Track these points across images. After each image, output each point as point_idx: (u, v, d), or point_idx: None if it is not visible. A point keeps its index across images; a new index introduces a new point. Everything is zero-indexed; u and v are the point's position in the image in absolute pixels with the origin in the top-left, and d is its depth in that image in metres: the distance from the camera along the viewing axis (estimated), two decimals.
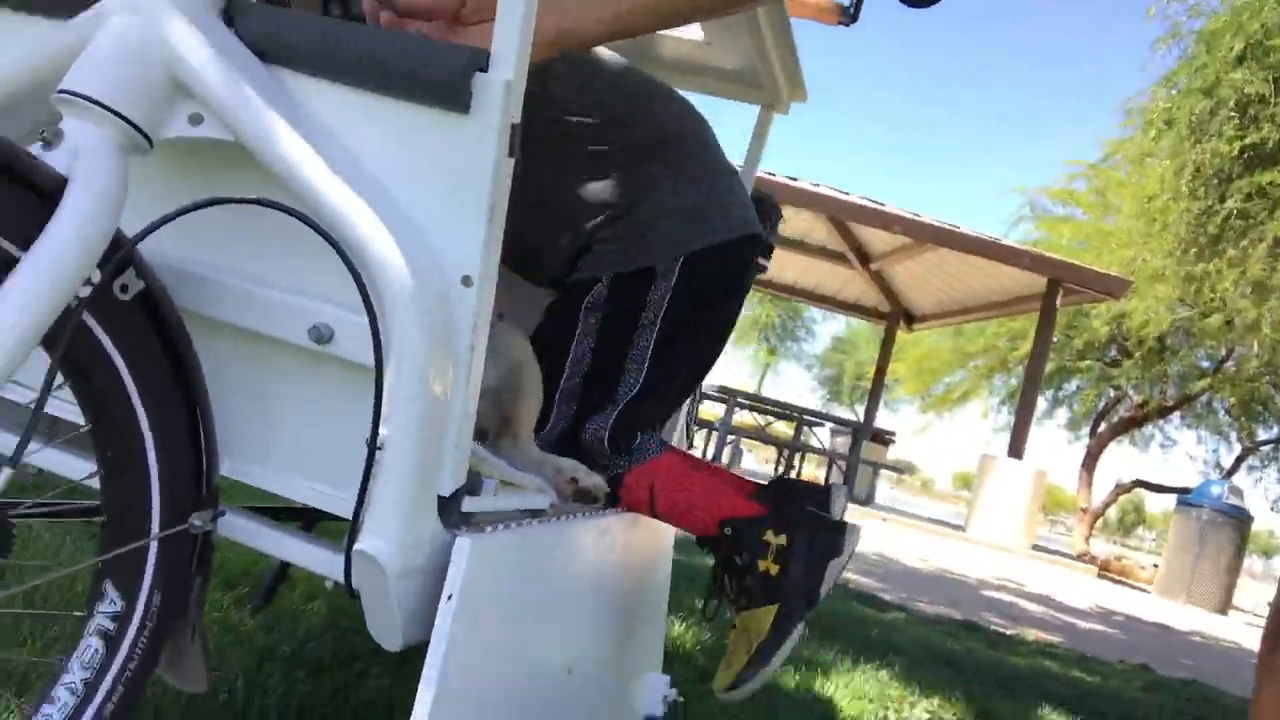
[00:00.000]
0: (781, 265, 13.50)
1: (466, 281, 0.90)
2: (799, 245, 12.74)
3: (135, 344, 0.86)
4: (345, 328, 0.90)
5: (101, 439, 0.88)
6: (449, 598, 0.92)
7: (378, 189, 0.89)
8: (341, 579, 0.90)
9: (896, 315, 14.40)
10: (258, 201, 0.85)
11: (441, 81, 0.86)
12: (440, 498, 0.94)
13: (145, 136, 0.85)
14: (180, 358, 0.89)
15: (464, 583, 0.92)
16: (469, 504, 1.00)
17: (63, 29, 0.87)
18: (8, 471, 0.74)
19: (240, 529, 0.98)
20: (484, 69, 0.87)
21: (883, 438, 12.70)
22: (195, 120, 0.88)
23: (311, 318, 0.91)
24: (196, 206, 0.85)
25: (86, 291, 0.79)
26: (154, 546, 0.90)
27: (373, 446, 0.87)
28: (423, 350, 0.87)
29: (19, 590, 0.92)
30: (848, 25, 1.87)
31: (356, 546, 0.88)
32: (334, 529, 1.06)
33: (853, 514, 11.11)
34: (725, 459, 12.02)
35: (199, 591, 0.95)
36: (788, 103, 1.87)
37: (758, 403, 11.05)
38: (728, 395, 10.10)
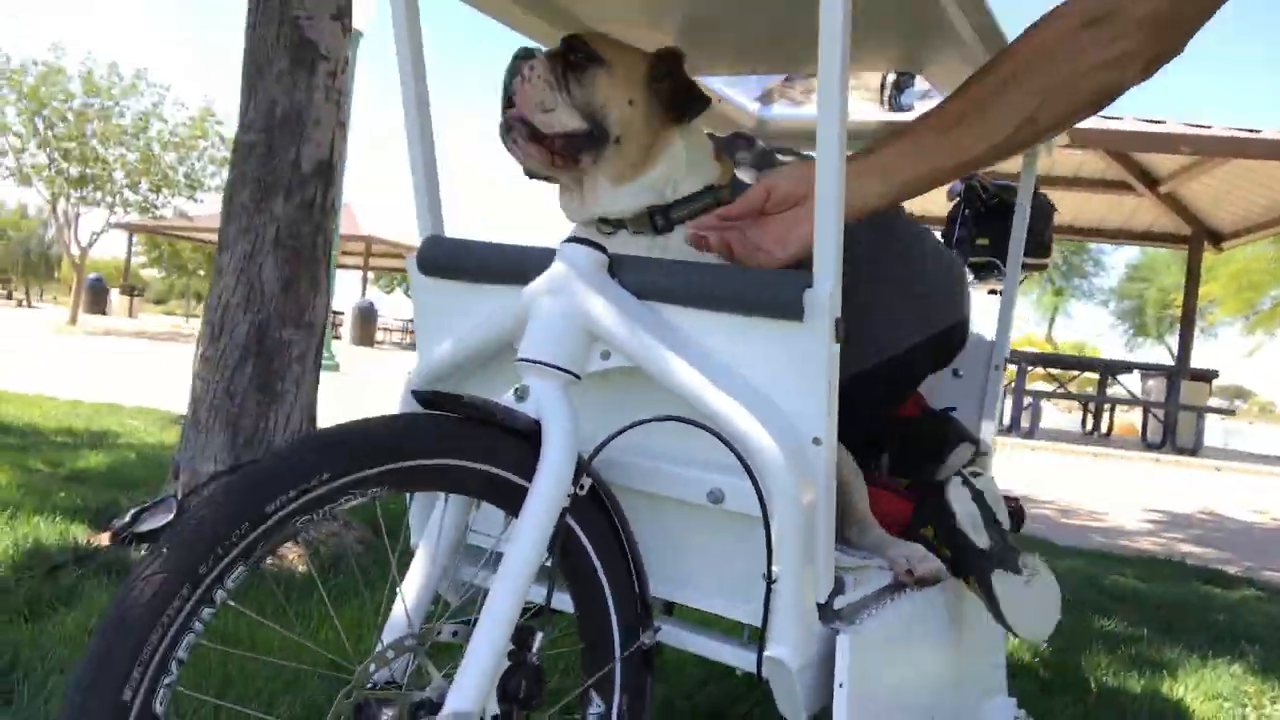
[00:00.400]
0: (1059, 206, 12.69)
1: (816, 441, 1.16)
2: (1073, 182, 11.93)
3: (592, 523, 1.20)
4: (732, 490, 1.19)
5: (577, 592, 1.23)
6: (840, 685, 1.19)
7: (742, 384, 1.17)
8: (755, 671, 1.19)
9: (1199, 236, 13.07)
10: (668, 418, 1.16)
11: (780, 301, 1.13)
12: (819, 604, 1.21)
13: (576, 375, 1.19)
14: (618, 524, 1.22)
15: (850, 671, 1.19)
16: (839, 601, 1.27)
17: (514, 301, 1.22)
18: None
19: (673, 635, 1.31)
20: (809, 285, 1.12)
21: (1204, 376, 11.62)
22: (605, 355, 1.20)
23: (707, 484, 1.21)
24: (625, 430, 1.17)
25: (567, 501, 1.13)
26: (618, 662, 1.24)
27: (769, 579, 1.15)
28: (794, 499, 1.14)
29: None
30: None
31: (766, 653, 1.17)
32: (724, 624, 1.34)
33: (1176, 467, 10.24)
34: (1025, 422, 11.54)
35: (651, 689, 1.28)
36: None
37: (1052, 363, 10.53)
38: (1018, 359, 9.73)
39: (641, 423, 1.18)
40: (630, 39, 1.49)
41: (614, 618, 1.24)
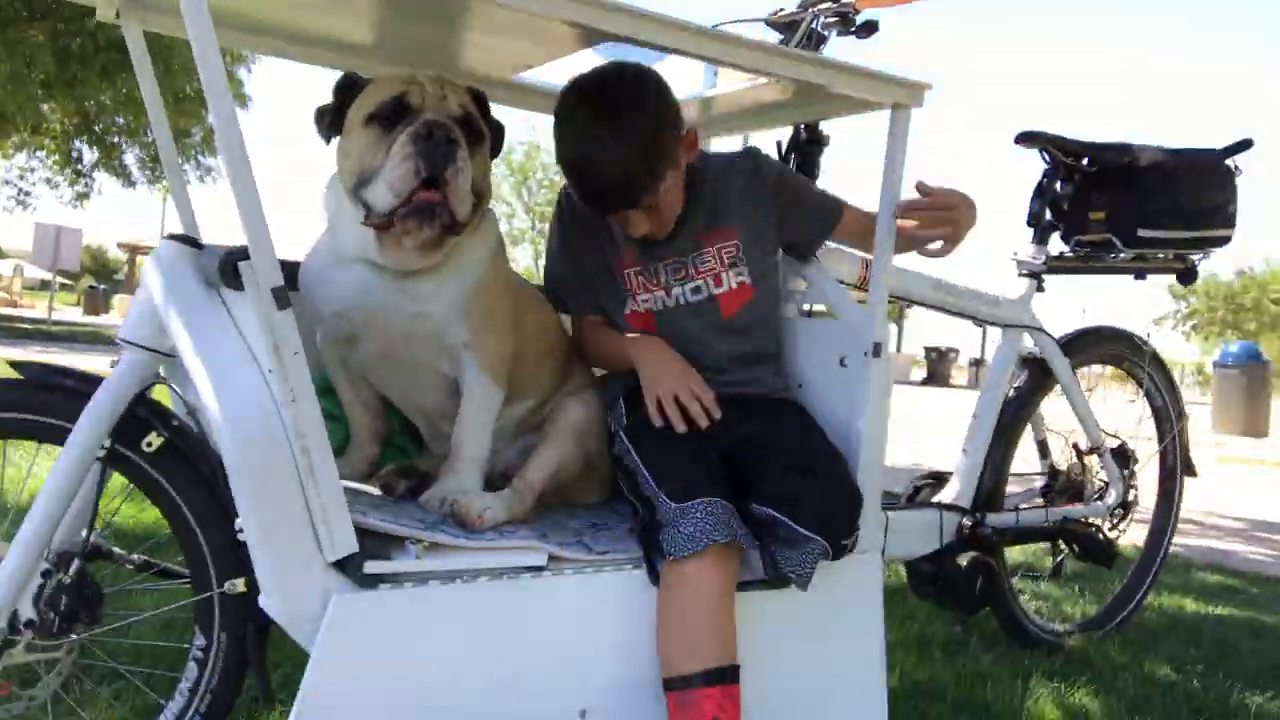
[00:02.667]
0: None
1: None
2: None
3: (175, 472, 1.41)
4: None
5: (178, 536, 1.43)
6: (318, 642, 1.25)
7: (222, 351, 1.30)
8: None
9: None
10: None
11: (225, 274, 1.24)
12: (335, 563, 1.28)
13: (146, 348, 1.41)
14: (206, 477, 1.41)
15: (328, 630, 1.24)
16: (374, 565, 1.31)
17: None
18: None
19: None
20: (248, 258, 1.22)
21: None
22: None
23: None
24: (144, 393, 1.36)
25: (102, 450, 1.36)
26: (216, 596, 1.41)
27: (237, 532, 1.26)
28: (242, 462, 1.23)
29: None
30: None
31: (260, 601, 1.27)
32: None
33: None
34: None
35: (252, 631, 1.42)
36: (921, 93, 1.69)
37: None
38: None
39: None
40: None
41: (209, 559, 1.42)
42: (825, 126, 2.03)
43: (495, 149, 1.61)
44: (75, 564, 1.36)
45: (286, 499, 1.25)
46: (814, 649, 1.68)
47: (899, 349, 31.67)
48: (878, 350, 1.74)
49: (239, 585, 1.41)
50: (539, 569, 1.43)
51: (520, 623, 1.40)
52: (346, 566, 1.29)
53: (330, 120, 1.52)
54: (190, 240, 1.46)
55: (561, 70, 1.79)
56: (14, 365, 1.42)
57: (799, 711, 1.66)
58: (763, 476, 1.62)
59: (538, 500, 1.61)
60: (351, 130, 1.48)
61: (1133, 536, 2.88)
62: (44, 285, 33.11)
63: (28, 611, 1.34)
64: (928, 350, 27.31)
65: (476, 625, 1.37)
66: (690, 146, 1.73)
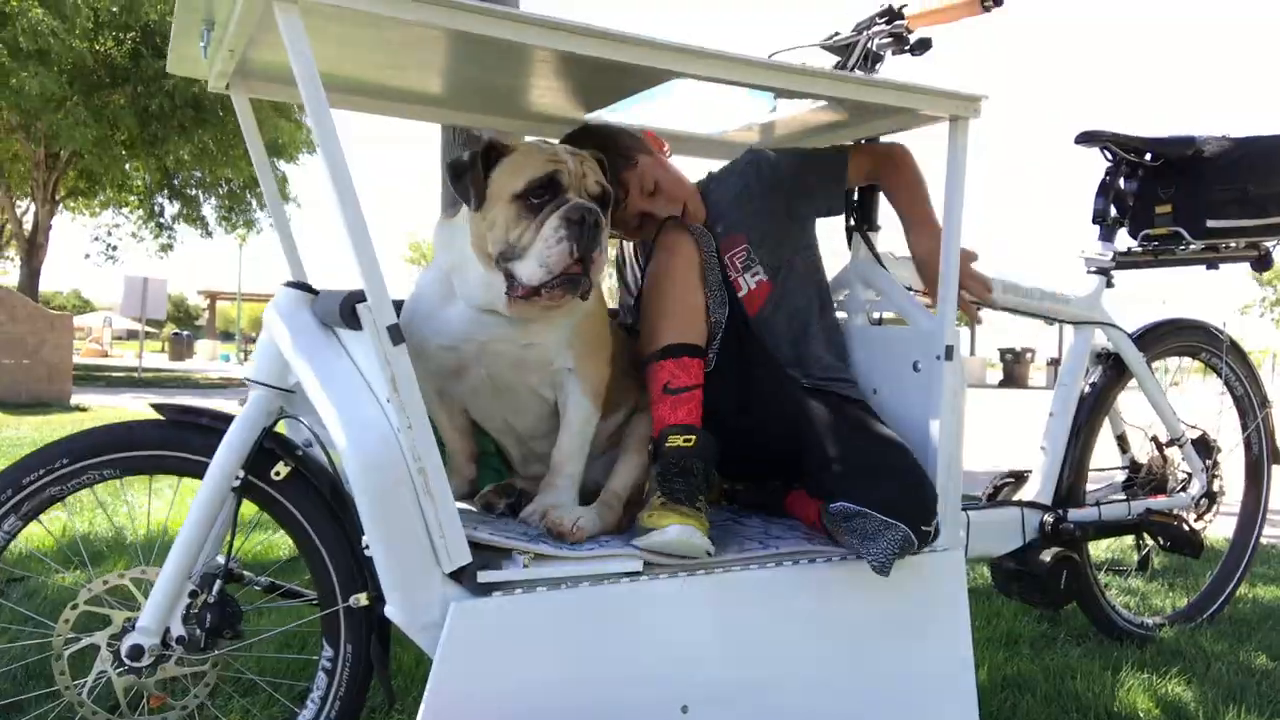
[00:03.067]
0: None
1: (400, 430, 1.36)
2: None
3: (301, 498, 1.54)
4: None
5: (305, 556, 1.56)
6: (440, 646, 1.35)
7: (342, 385, 1.42)
8: None
9: None
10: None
11: (344, 314, 1.37)
12: (449, 574, 1.39)
13: (274, 386, 1.54)
14: (329, 500, 1.54)
15: (449, 636, 1.35)
16: (486, 575, 1.42)
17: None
18: None
19: None
20: (363, 300, 1.35)
21: None
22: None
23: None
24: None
25: (237, 480, 1.49)
26: (341, 611, 1.54)
27: (364, 547, 1.38)
28: (367, 482, 1.35)
29: None
30: (994, 8, 1.70)
31: (386, 610, 1.39)
32: None
33: None
34: None
35: (374, 642, 1.54)
36: (977, 104, 1.75)
37: None
38: None
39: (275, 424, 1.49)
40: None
41: (333, 576, 1.55)
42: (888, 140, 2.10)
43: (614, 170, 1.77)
44: (217, 584, 1.50)
45: (406, 516, 1.37)
46: (902, 647, 1.74)
47: (972, 352, 31.08)
48: (949, 354, 1.80)
49: (362, 599, 1.53)
50: (635, 574, 1.53)
51: (621, 624, 1.50)
52: (462, 576, 1.40)
53: (474, 182, 1.54)
54: (305, 286, 1.60)
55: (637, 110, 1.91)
56: (155, 407, 1.57)
57: (890, 709, 1.72)
58: (827, 469, 1.71)
59: (625, 510, 1.70)
60: (498, 202, 1.53)
61: (1222, 529, 2.86)
62: (130, 335, 34.46)
63: (178, 629, 1.48)
64: (1002, 352, 26.77)
65: (581, 627, 1.46)
66: (655, 141, 2.01)
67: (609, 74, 1.68)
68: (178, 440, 1.53)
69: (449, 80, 1.79)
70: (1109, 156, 2.47)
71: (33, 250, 17.39)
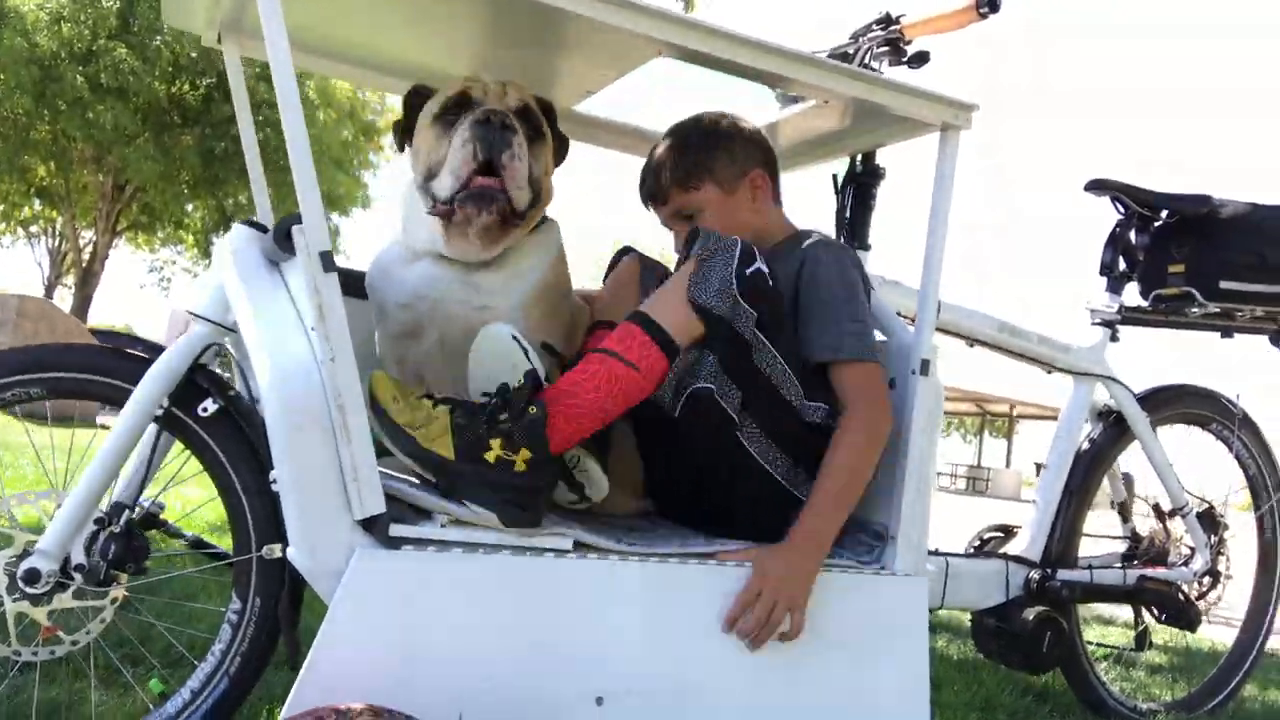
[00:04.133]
0: None
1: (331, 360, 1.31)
2: None
3: (226, 437, 1.48)
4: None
5: (223, 498, 1.50)
6: (339, 594, 1.27)
7: (274, 315, 1.38)
8: None
9: None
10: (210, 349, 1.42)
11: (280, 236, 1.34)
12: (360, 521, 1.31)
13: (212, 321, 1.50)
14: (254, 444, 1.48)
15: (348, 584, 1.27)
16: (399, 529, 1.34)
17: None
18: None
19: None
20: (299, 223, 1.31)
21: None
22: None
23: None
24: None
25: (160, 410, 1.44)
26: (255, 560, 1.47)
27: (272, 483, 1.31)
28: (284, 418, 1.29)
29: None
30: (989, 15, 1.67)
31: (288, 551, 1.32)
32: None
33: None
34: None
35: (286, 598, 1.46)
36: (969, 114, 1.71)
37: None
38: None
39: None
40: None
41: (250, 524, 1.48)
42: (882, 161, 2.06)
43: (559, 156, 1.72)
44: (125, 515, 1.44)
45: (318, 453, 1.30)
46: (849, 672, 1.62)
47: (1008, 464, 30.49)
48: (925, 368, 1.71)
49: (276, 550, 1.45)
50: (563, 552, 1.44)
51: (540, 601, 1.40)
52: (373, 526, 1.32)
53: (403, 128, 1.65)
54: (259, 225, 1.57)
55: (625, 103, 1.90)
56: (92, 331, 1.54)
57: None
58: None
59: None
60: (420, 131, 1.59)
61: (1232, 622, 2.69)
62: None
63: (79, 556, 1.41)
64: (1038, 467, 26.17)
65: (496, 598, 1.37)
66: (755, 189, 1.76)
67: (595, 48, 1.67)
68: (108, 367, 1.49)
69: (438, 51, 1.79)
70: (1120, 209, 2.41)
71: (87, 277, 17.90)
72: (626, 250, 1.88)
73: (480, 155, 1.47)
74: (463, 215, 1.50)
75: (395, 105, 17.41)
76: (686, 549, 1.54)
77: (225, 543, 1.64)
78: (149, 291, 21.07)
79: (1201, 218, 2.33)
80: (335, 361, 1.30)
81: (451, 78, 1.89)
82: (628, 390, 1.46)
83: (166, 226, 18.63)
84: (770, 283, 1.54)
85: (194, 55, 14.28)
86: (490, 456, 1.37)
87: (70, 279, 22.21)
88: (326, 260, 1.30)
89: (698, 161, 1.70)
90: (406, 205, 1.64)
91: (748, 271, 1.50)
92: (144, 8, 13.82)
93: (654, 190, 1.77)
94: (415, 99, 1.65)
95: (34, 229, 21.03)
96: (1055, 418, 2.41)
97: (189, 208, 17.54)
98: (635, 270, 1.82)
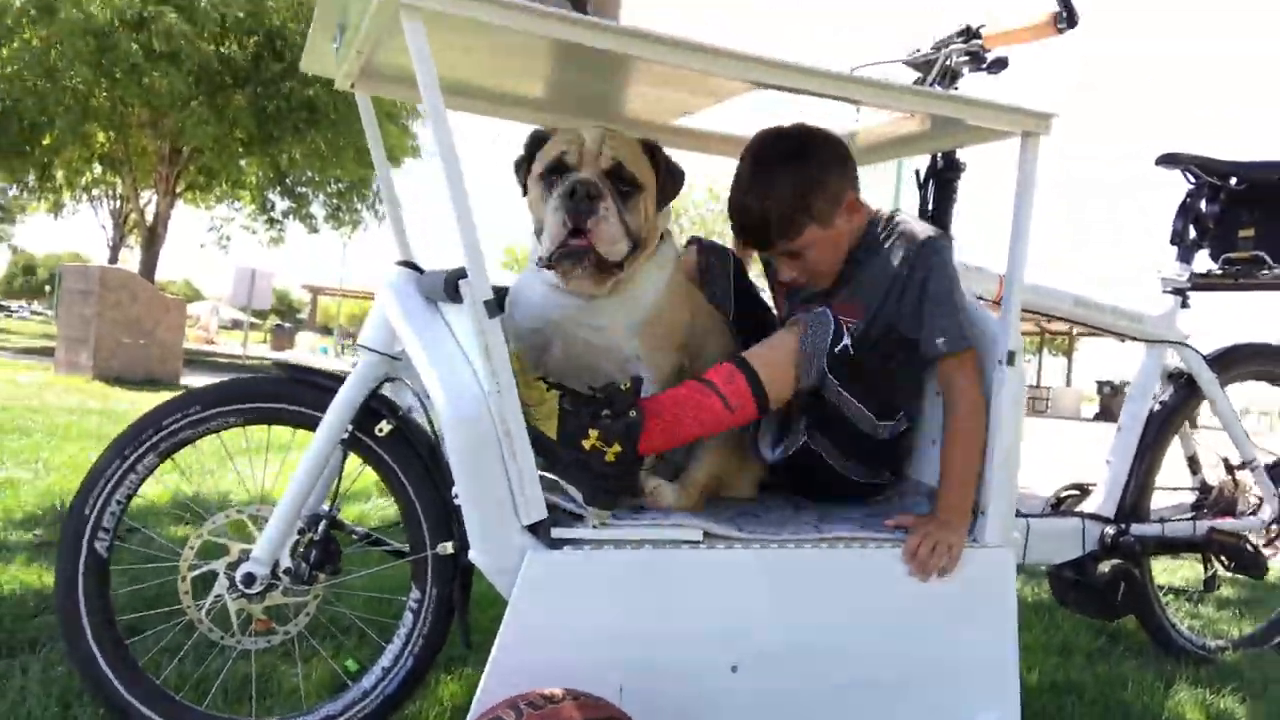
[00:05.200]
0: None
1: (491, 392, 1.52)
2: None
3: (400, 454, 1.71)
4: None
5: (399, 506, 1.73)
6: (515, 590, 1.50)
7: (446, 348, 1.59)
8: None
9: None
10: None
11: (450, 290, 1.53)
12: (526, 526, 1.54)
13: (381, 352, 1.72)
14: (423, 456, 1.71)
15: (523, 581, 1.50)
16: (560, 531, 1.56)
17: None
18: None
19: None
20: (464, 276, 1.51)
21: None
22: None
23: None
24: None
25: (346, 433, 1.67)
26: (429, 557, 1.70)
27: (453, 496, 1.54)
28: (458, 438, 1.51)
29: None
30: (1067, 29, 1.78)
31: (470, 554, 1.55)
32: None
33: None
34: None
35: (457, 589, 1.70)
36: (1048, 122, 1.84)
37: None
38: None
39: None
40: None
41: (424, 526, 1.72)
42: (961, 154, 2.19)
43: (669, 192, 1.80)
44: (322, 525, 1.68)
45: (492, 471, 1.52)
46: (948, 636, 1.82)
47: (1068, 383, 30.22)
48: (1011, 359, 1.87)
49: (448, 548, 1.69)
50: (695, 543, 1.65)
51: (679, 586, 1.62)
52: (538, 530, 1.54)
53: (524, 174, 1.77)
54: (413, 266, 1.77)
55: (723, 114, 2.05)
56: (275, 365, 1.76)
57: (932, 693, 1.80)
58: None
59: (701, 495, 1.83)
60: (532, 184, 1.73)
61: None
62: (235, 324, 35.97)
63: (286, 561, 1.66)
64: (1100, 385, 25.96)
65: (642, 585, 1.59)
66: (850, 211, 1.88)
67: (694, 81, 1.82)
68: (294, 395, 1.72)
69: (546, 84, 1.96)
70: (1190, 179, 2.50)
71: (152, 239, 18.41)
72: (692, 241, 2.09)
73: (569, 225, 1.62)
74: (560, 270, 1.67)
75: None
76: (800, 535, 1.75)
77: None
78: (209, 250, 21.29)
79: (1273, 184, 2.43)
80: (500, 393, 1.51)
81: (545, 106, 2.08)
82: (719, 424, 1.72)
83: (224, 185, 19.02)
84: (851, 353, 1.77)
85: (240, 15, 14.41)
86: (586, 444, 1.59)
87: (133, 240, 22.87)
88: (490, 308, 1.50)
89: (796, 210, 1.80)
90: (535, 238, 1.79)
91: (837, 349, 1.74)
92: None
93: (759, 241, 1.90)
94: (533, 145, 1.75)
95: (96, 193, 21.62)
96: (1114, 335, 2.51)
97: (244, 166, 17.86)
98: (694, 260, 2.08)
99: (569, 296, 1.75)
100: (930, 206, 2.19)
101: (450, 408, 1.52)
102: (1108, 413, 24.79)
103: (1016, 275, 1.90)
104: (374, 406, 1.71)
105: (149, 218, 18.73)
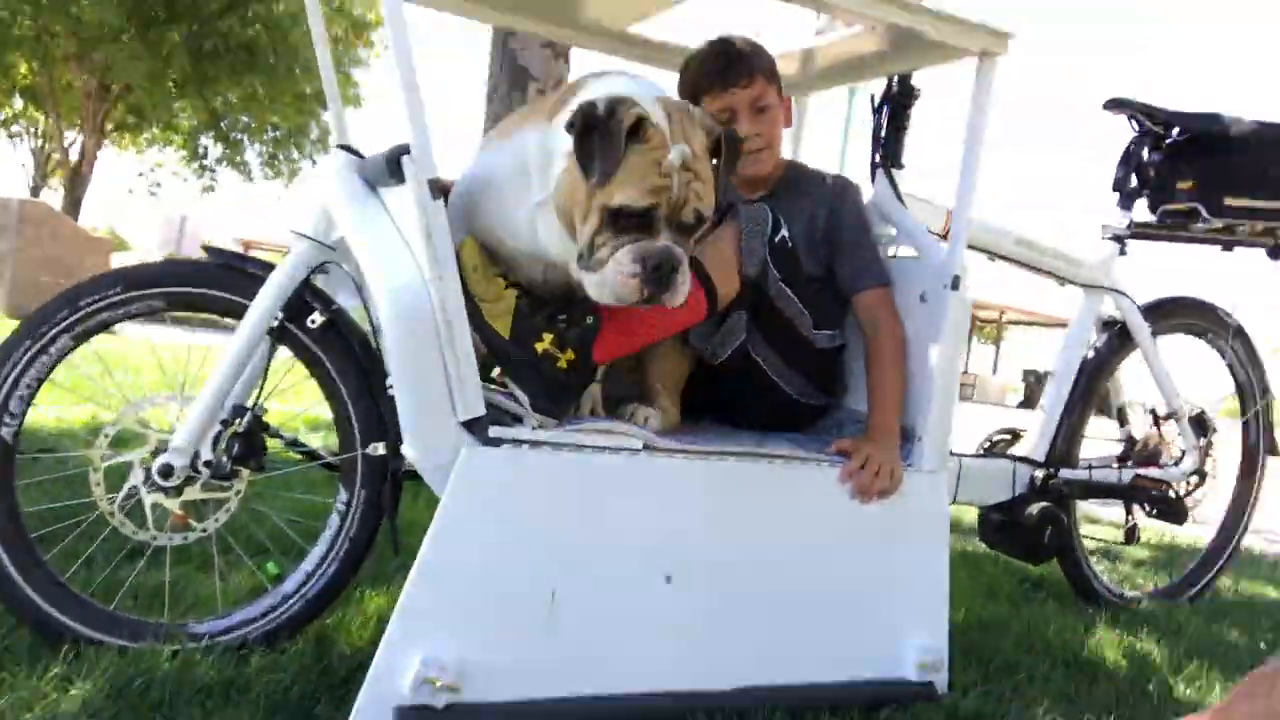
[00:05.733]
0: None
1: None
2: None
3: (332, 347, 1.64)
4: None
5: (330, 402, 1.67)
6: (451, 484, 1.45)
7: (386, 234, 1.52)
8: None
9: None
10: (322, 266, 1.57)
11: (392, 167, 1.47)
12: (464, 423, 1.48)
13: (315, 240, 1.64)
14: (357, 352, 1.64)
15: (459, 476, 1.45)
16: (498, 431, 1.51)
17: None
18: None
19: None
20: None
21: None
22: None
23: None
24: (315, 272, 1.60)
25: (275, 320, 1.60)
26: (359, 458, 1.64)
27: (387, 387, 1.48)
28: (398, 328, 1.45)
29: None
30: None
31: (402, 447, 1.49)
32: None
33: None
34: None
35: (387, 493, 1.64)
36: (1006, 41, 1.83)
37: None
38: None
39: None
40: None
41: (355, 425, 1.65)
42: (916, 80, 2.17)
43: (730, 170, 1.62)
44: (247, 417, 1.60)
45: (430, 363, 1.46)
46: (881, 555, 1.82)
47: (995, 371, 30.96)
48: (956, 283, 1.87)
49: (380, 448, 1.63)
50: (634, 450, 1.62)
51: (617, 495, 1.59)
52: (474, 426, 1.49)
53: (603, 156, 1.43)
54: (354, 150, 1.70)
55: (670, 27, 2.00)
56: (205, 249, 1.67)
57: (863, 609, 1.80)
58: None
59: (677, 408, 1.83)
60: (597, 199, 1.46)
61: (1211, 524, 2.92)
62: None
63: (206, 453, 1.59)
64: (1025, 373, 26.62)
65: (579, 490, 1.55)
66: (786, 113, 2.07)
67: None
68: (224, 281, 1.64)
69: None
70: (1135, 127, 2.53)
71: (76, 180, 17.69)
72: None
73: (645, 294, 1.46)
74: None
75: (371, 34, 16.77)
76: (739, 447, 1.73)
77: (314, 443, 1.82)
78: (138, 196, 20.60)
79: (1211, 135, 2.47)
80: (442, 279, 1.45)
81: (524, 13, 2.01)
82: (674, 324, 1.71)
83: (154, 127, 18.33)
84: (790, 244, 1.82)
85: None
86: (539, 347, 1.55)
87: (55, 182, 21.94)
88: (434, 188, 1.44)
89: (771, 64, 1.95)
90: (542, 168, 1.54)
91: (776, 239, 1.78)
92: None
93: (740, 71, 1.95)
94: (589, 120, 1.43)
95: (15, 129, 20.66)
96: (1044, 324, 2.58)
97: (177, 108, 17.23)
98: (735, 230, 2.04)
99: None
100: (883, 133, 2.17)
101: (389, 295, 1.46)
102: (1031, 401, 25.46)
103: (966, 201, 1.90)
104: (306, 298, 1.63)
105: (73, 157, 17.97)
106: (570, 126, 1.44)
